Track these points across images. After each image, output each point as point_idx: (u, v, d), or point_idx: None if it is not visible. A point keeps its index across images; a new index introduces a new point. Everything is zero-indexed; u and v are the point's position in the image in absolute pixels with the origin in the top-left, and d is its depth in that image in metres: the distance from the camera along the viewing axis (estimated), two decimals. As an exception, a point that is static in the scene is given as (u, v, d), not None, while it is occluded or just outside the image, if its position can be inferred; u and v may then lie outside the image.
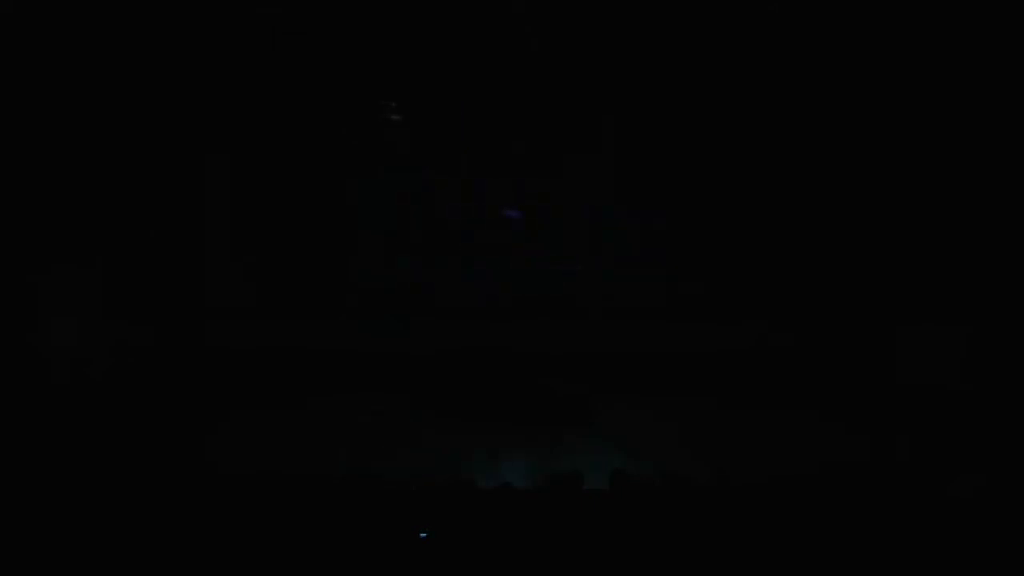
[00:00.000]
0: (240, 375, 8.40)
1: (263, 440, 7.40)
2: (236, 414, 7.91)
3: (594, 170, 8.90)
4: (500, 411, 8.06)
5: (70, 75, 7.87)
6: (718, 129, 8.74)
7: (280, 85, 8.62)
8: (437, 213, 8.98)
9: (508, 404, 8.10)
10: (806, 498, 4.99)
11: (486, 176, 8.96)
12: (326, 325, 8.72)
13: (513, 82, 8.76)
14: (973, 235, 7.99)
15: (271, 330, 8.68)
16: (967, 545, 4.48)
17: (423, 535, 4.54)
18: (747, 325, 8.64)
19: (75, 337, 7.83)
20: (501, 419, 7.96)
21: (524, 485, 5.42)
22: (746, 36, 8.42)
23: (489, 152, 8.92)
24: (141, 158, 8.29)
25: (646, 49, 8.57)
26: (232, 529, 4.56)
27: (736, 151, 8.75)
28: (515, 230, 8.97)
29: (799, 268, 8.64)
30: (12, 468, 5.91)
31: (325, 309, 8.82)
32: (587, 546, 4.45)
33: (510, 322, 8.75)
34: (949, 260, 8.05)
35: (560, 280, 8.99)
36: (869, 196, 8.38)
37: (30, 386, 7.52)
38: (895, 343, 8.21)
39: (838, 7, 8.15)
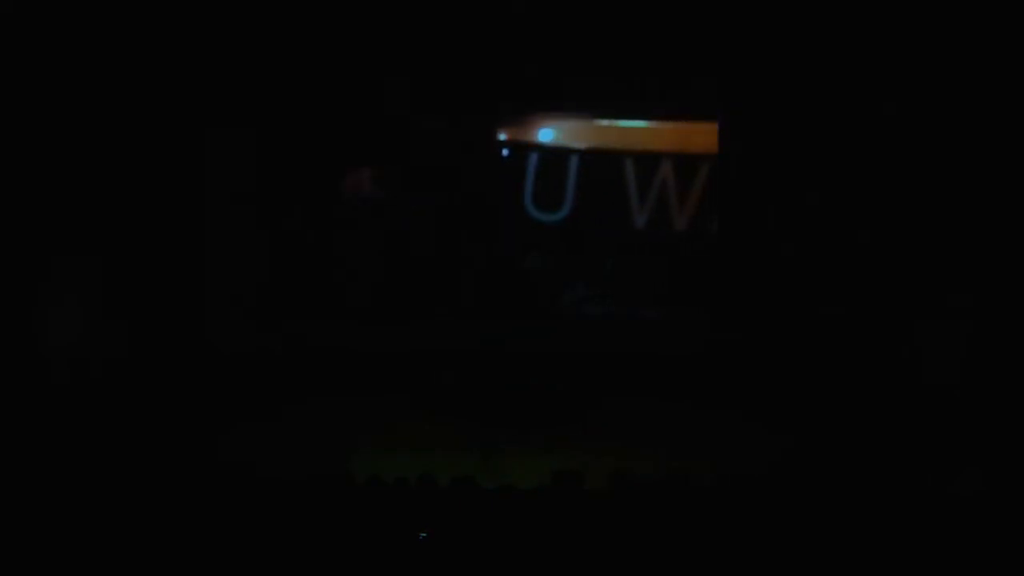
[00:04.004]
0: (239, 374, 8.39)
1: (262, 440, 7.40)
2: (235, 414, 7.91)
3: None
4: (500, 411, 8.06)
5: (70, 73, 7.87)
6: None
7: (280, 83, 8.62)
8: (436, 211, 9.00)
9: (508, 404, 8.10)
10: (806, 497, 4.99)
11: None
12: (326, 325, 8.71)
13: (511, 84, 8.76)
14: (972, 230, 7.98)
15: (271, 330, 8.67)
16: (968, 543, 4.49)
17: (423, 535, 4.54)
18: (747, 325, 8.62)
19: (75, 337, 7.83)
20: (501, 419, 7.96)
21: (525, 485, 5.41)
22: (740, 30, 8.41)
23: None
24: (142, 157, 8.29)
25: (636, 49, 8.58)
26: (231, 529, 4.56)
27: (733, 151, 8.75)
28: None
29: (797, 265, 8.61)
30: (11, 468, 5.91)
31: (325, 309, 8.81)
32: (587, 546, 4.46)
33: (510, 322, 8.74)
34: (948, 257, 8.04)
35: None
36: (867, 194, 8.36)
37: (30, 386, 7.51)
38: (893, 341, 8.19)
39: (840, 10, 8.14)
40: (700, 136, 8.73)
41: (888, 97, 8.17)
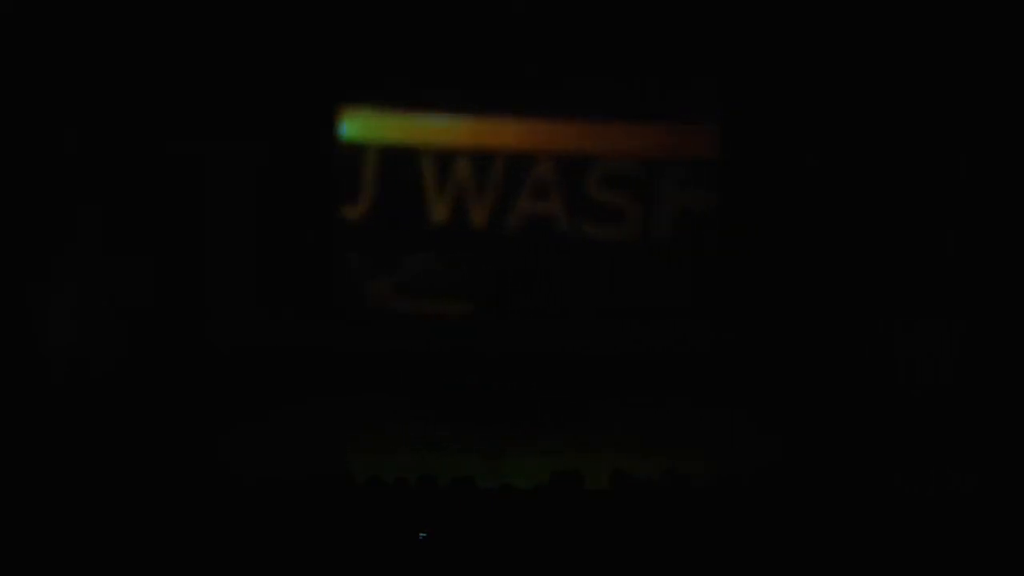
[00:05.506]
0: (240, 375, 8.40)
1: (262, 440, 7.41)
2: (235, 414, 7.92)
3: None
4: (499, 411, 8.06)
5: (71, 75, 7.88)
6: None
7: (277, 84, 8.62)
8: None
9: (507, 404, 8.11)
10: (806, 497, 5.00)
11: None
12: (326, 325, 8.71)
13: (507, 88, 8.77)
14: (969, 228, 7.97)
15: (271, 330, 8.67)
16: (959, 544, 4.50)
17: (422, 535, 4.54)
18: (747, 325, 8.63)
19: (75, 337, 7.83)
20: (501, 419, 7.96)
21: (525, 485, 5.42)
22: (741, 31, 8.42)
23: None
24: (142, 157, 8.29)
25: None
26: (231, 530, 4.57)
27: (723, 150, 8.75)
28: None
29: (792, 263, 8.60)
30: (11, 469, 5.92)
31: (326, 309, 8.81)
32: (587, 546, 4.46)
33: (508, 322, 8.75)
34: (944, 254, 8.04)
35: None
36: (865, 195, 8.37)
37: (30, 386, 7.52)
38: (890, 340, 8.19)
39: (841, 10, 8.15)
40: (501, 133, 8.53)
41: (889, 97, 8.18)
